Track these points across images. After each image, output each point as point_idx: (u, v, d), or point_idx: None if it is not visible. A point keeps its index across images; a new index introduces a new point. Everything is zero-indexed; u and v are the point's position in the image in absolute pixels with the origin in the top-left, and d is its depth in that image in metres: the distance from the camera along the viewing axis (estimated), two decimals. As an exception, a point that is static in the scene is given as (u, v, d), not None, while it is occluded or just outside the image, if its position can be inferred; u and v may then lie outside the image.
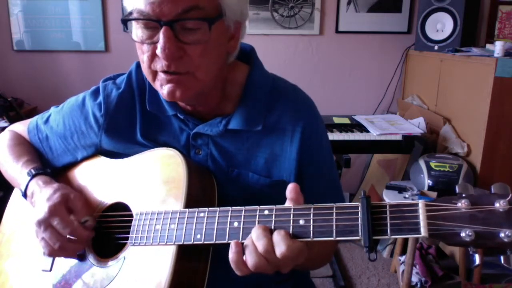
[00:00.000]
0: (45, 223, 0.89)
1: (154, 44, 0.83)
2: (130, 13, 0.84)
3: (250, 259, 0.73)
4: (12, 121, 2.55)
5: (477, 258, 0.63)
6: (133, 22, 0.84)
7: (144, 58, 0.86)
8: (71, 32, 3.26)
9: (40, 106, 3.21)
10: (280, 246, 0.72)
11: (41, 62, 3.30)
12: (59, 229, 0.89)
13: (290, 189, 0.76)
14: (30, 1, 3.19)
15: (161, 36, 0.81)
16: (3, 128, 1.30)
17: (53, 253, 0.92)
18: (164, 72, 0.85)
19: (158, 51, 0.81)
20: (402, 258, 2.50)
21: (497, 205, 0.61)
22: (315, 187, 0.97)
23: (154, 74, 0.87)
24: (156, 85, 0.89)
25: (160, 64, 0.84)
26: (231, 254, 0.75)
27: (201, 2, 0.81)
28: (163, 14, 0.80)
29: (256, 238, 0.73)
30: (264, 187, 0.96)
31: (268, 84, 0.99)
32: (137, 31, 0.85)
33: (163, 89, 0.87)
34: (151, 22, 0.81)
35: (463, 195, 0.64)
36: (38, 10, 3.20)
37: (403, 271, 2.38)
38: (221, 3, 0.84)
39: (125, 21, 0.85)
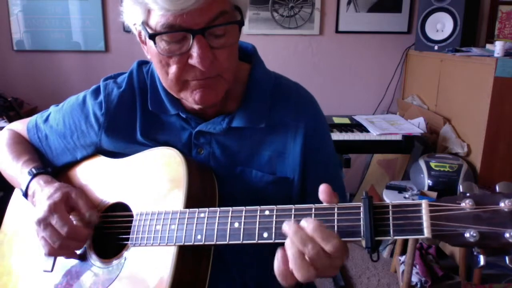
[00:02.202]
0: (44, 222, 0.89)
1: (183, 54, 0.82)
2: (148, 26, 0.82)
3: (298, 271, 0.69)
4: (12, 121, 2.55)
5: (482, 259, 0.62)
6: (156, 37, 0.82)
7: (171, 70, 0.85)
8: (71, 32, 3.25)
9: (40, 106, 3.21)
10: (330, 241, 0.67)
11: (41, 62, 3.30)
12: (57, 227, 0.89)
13: (321, 191, 0.73)
14: (30, 1, 3.19)
15: (195, 45, 0.80)
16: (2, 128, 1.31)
17: (53, 252, 0.91)
18: (196, 79, 0.85)
19: (194, 61, 0.81)
20: (402, 258, 2.50)
21: (502, 204, 0.61)
22: (320, 184, 0.97)
23: (183, 84, 0.87)
24: (184, 94, 0.88)
25: (193, 74, 0.84)
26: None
27: (226, 7, 0.81)
28: (194, 23, 0.79)
29: (302, 243, 0.68)
30: (268, 185, 0.96)
31: (270, 82, 1.00)
32: (160, 44, 0.82)
33: (195, 95, 0.87)
34: (179, 34, 0.80)
35: (467, 194, 0.64)
36: (38, 10, 3.20)
37: (403, 271, 2.38)
38: (237, 3, 0.84)
39: (153, 37, 0.81)
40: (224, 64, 0.85)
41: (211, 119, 0.96)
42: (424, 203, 0.65)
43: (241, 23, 0.84)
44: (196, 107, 0.92)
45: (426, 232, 0.64)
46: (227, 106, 0.97)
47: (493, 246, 0.60)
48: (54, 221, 0.89)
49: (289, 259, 0.69)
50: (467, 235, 0.61)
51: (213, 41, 0.82)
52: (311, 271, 0.68)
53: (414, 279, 2.43)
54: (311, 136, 0.97)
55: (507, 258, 0.61)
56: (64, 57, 3.30)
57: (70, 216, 0.93)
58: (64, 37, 3.26)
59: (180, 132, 0.98)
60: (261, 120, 0.95)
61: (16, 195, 1.13)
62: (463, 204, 0.62)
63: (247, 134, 0.96)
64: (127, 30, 3.19)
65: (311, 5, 3.25)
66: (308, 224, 0.68)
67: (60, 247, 0.89)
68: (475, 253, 0.62)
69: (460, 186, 0.65)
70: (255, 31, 3.26)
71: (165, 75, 0.87)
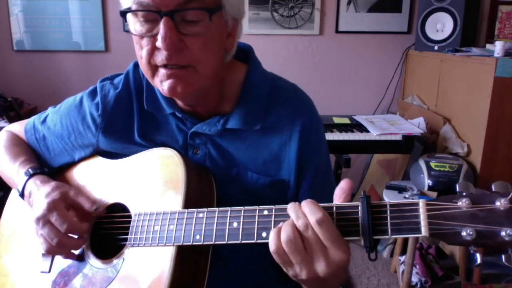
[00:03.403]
0: (43, 219, 0.89)
1: (154, 37, 0.82)
2: (129, 7, 0.83)
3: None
4: (12, 121, 2.55)
5: (478, 257, 0.63)
6: (132, 17, 0.83)
7: (143, 53, 0.85)
8: (71, 32, 3.26)
9: (40, 106, 3.21)
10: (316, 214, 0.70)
11: (41, 62, 3.30)
12: (56, 225, 0.89)
13: (345, 182, 0.75)
14: (30, 1, 3.19)
15: (161, 26, 0.80)
16: (2, 128, 1.31)
17: (51, 250, 0.91)
18: (165, 66, 0.84)
19: (159, 43, 0.80)
20: (402, 258, 2.50)
21: (498, 203, 0.61)
22: (313, 187, 0.97)
23: (154, 69, 0.86)
24: (156, 82, 0.87)
25: (160, 57, 0.83)
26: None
27: None
28: (163, 4, 0.79)
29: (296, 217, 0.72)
30: (264, 187, 0.95)
31: (266, 84, 0.99)
32: (135, 25, 0.83)
33: (163, 85, 0.85)
34: (151, 15, 0.81)
35: (464, 193, 0.64)
36: (38, 10, 3.21)
37: (403, 271, 2.38)
38: None
39: (124, 13, 0.83)
40: (195, 54, 0.83)
41: (207, 120, 0.95)
42: (421, 202, 0.65)
43: (210, 11, 0.82)
44: (180, 102, 0.92)
45: (424, 231, 0.64)
46: (223, 107, 0.96)
47: (489, 245, 0.61)
48: (54, 218, 0.89)
49: (282, 228, 0.72)
50: (464, 233, 0.62)
51: (184, 27, 0.81)
52: (297, 239, 0.70)
53: (414, 279, 2.43)
54: (307, 139, 0.96)
55: (503, 257, 0.61)
56: (64, 57, 3.31)
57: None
58: (64, 37, 3.26)
59: (176, 132, 0.98)
60: (256, 122, 0.94)
61: (13, 196, 1.13)
62: (459, 203, 0.63)
63: (243, 136, 0.95)
64: (127, 30, 3.19)
65: (311, 5, 3.25)
66: (304, 202, 0.73)
67: (58, 244, 0.89)
68: (471, 251, 0.63)
69: (457, 186, 0.65)
70: (255, 31, 3.26)
71: (140, 60, 0.87)
